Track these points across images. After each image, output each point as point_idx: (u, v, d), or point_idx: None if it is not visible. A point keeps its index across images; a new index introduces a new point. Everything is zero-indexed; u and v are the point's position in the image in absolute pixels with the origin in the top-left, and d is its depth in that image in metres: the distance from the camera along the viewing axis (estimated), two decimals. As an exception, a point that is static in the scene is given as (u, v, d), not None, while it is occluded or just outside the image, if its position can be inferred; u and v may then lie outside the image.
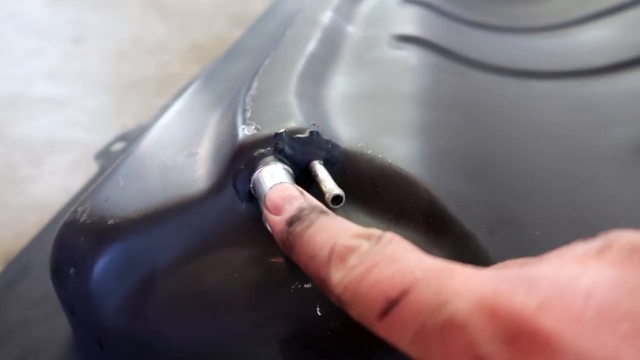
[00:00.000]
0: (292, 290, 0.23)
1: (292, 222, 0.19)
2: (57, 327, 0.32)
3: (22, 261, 0.40)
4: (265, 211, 0.21)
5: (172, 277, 0.25)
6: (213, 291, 0.24)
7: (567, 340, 0.11)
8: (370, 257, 0.16)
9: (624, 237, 0.14)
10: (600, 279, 0.12)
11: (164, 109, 0.61)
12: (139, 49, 1.08)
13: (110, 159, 0.51)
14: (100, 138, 0.73)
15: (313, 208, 0.20)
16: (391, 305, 0.14)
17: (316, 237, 0.18)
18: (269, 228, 0.22)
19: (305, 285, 0.23)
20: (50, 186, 0.63)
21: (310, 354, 0.23)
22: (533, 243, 0.25)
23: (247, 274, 0.24)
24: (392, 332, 0.15)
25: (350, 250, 0.17)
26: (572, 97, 0.38)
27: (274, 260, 0.24)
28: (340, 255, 0.17)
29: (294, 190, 0.21)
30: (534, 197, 0.27)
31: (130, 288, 0.25)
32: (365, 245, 0.17)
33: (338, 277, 0.16)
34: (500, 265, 0.18)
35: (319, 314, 0.22)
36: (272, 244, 0.23)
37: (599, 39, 0.46)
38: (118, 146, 0.54)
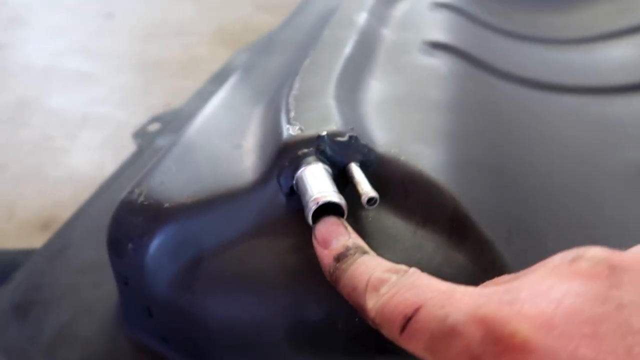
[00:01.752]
0: (326, 278, 0.26)
1: (339, 259, 0.23)
2: (103, 294, 0.36)
3: (66, 232, 0.43)
4: (314, 241, 0.25)
5: (219, 259, 0.28)
6: (254, 274, 0.27)
7: (538, 339, 0.14)
8: (396, 286, 0.20)
9: (591, 251, 0.16)
10: (569, 288, 0.15)
11: (199, 94, 0.64)
12: (166, 29, 1.11)
13: (147, 139, 0.54)
14: (130, 115, 0.76)
15: (357, 248, 0.23)
16: (408, 320, 0.18)
17: (356, 272, 0.22)
18: (317, 256, 0.24)
19: (339, 275, 0.25)
20: (84, 159, 0.66)
21: (340, 337, 0.26)
22: (545, 253, 0.28)
23: (286, 261, 0.27)
24: (411, 342, 0.18)
25: (382, 282, 0.21)
26: (592, 114, 0.40)
27: (311, 249, 0.27)
28: (374, 286, 0.21)
29: (341, 225, 0.25)
30: (549, 210, 0.29)
31: (181, 266, 0.28)
32: (394, 277, 0.20)
33: (371, 303, 0.20)
34: (496, 280, 0.21)
35: (349, 301, 0.25)
36: (310, 236, 0.26)
37: (623, 57, 0.48)
38: (153, 127, 0.57)
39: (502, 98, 0.40)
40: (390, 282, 0.20)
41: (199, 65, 0.93)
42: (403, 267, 0.21)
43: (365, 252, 0.24)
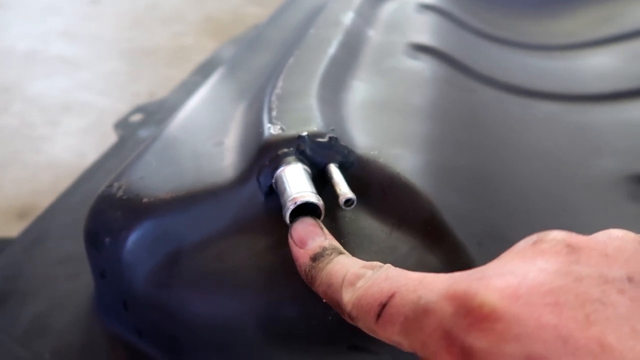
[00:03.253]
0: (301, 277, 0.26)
1: (315, 258, 0.24)
2: (79, 285, 0.36)
3: (44, 222, 0.43)
4: (290, 241, 0.25)
5: (196, 255, 0.28)
6: (231, 271, 0.27)
7: (505, 308, 0.15)
8: (371, 279, 0.21)
9: (551, 234, 0.18)
10: (532, 265, 0.17)
11: (183, 85, 0.63)
12: (154, 16, 1.09)
13: (129, 130, 0.54)
14: (113, 103, 0.75)
15: (334, 249, 0.24)
16: (382, 307, 0.19)
17: (332, 269, 0.23)
18: (293, 255, 0.25)
19: (314, 274, 0.26)
20: (65, 147, 0.65)
21: (313, 334, 0.26)
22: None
23: (262, 259, 0.27)
24: (386, 328, 0.19)
25: (358, 277, 0.21)
26: (570, 122, 0.41)
27: (287, 248, 0.27)
28: (350, 281, 0.21)
29: (318, 226, 0.25)
30: (522, 216, 0.30)
31: (158, 261, 0.28)
32: (369, 272, 0.21)
33: (347, 297, 0.21)
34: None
35: (324, 299, 0.26)
36: (287, 235, 0.27)
37: (604, 66, 0.49)
38: (136, 117, 0.56)
39: (483, 103, 0.41)
40: (366, 276, 0.21)
41: (185, 55, 0.93)
42: (378, 263, 0.22)
43: (341, 253, 0.24)
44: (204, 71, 0.66)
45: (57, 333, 0.32)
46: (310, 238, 0.25)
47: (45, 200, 0.56)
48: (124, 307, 0.30)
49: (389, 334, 0.19)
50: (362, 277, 0.21)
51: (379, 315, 0.19)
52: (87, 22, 1.05)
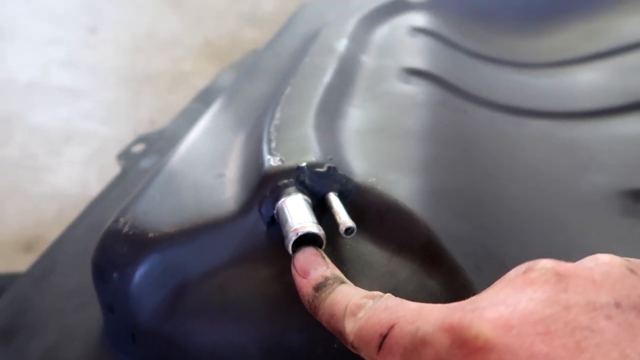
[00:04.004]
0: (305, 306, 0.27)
1: (318, 288, 0.24)
2: (88, 317, 0.36)
3: (51, 255, 0.44)
4: (293, 271, 0.26)
5: (201, 287, 0.29)
6: (236, 301, 0.28)
7: (498, 339, 0.16)
8: (371, 309, 0.21)
9: (540, 263, 0.19)
10: (523, 295, 0.17)
11: (184, 113, 0.64)
12: (152, 42, 1.11)
13: (131, 160, 0.55)
14: (116, 132, 0.76)
15: (336, 278, 0.25)
16: (383, 338, 0.20)
17: (335, 299, 0.23)
18: (296, 285, 0.26)
19: (318, 303, 0.27)
20: (68, 177, 0.66)
21: (319, 362, 0.27)
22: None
23: (266, 289, 0.28)
24: (387, 359, 0.19)
25: (359, 307, 0.22)
26: (561, 139, 0.42)
27: (290, 278, 0.28)
28: (352, 311, 0.22)
29: (320, 256, 0.26)
30: (516, 236, 0.31)
31: (165, 294, 0.29)
32: (370, 302, 0.22)
33: (350, 327, 0.22)
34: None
35: (327, 328, 0.26)
36: (290, 265, 0.27)
37: (592, 82, 0.50)
38: (138, 148, 0.57)
39: (476, 123, 0.42)
40: (367, 306, 0.22)
41: (185, 81, 0.94)
42: (379, 293, 0.23)
43: (343, 282, 0.25)
44: (203, 98, 0.67)
45: (67, 367, 0.33)
46: (313, 268, 0.26)
47: (50, 232, 0.57)
48: (133, 340, 0.30)
49: None
50: (363, 307, 0.22)
51: (380, 347, 0.20)
52: (86, 50, 1.07)
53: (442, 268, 0.27)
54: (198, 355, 0.29)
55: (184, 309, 0.28)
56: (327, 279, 0.25)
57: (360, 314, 0.22)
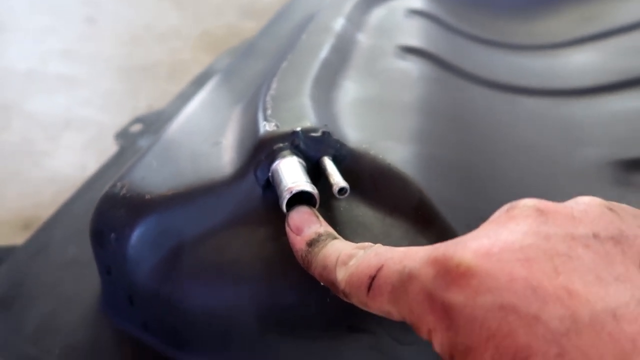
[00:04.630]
0: (299, 265, 0.27)
1: (311, 244, 0.25)
2: (84, 288, 0.37)
3: (47, 230, 0.44)
4: (287, 229, 0.26)
5: (198, 248, 0.29)
6: (232, 262, 0.29)
7: (480, 265, 0.17)
8: (362, 257, 0.22)
9: (522, 201, 0.19)
10: (505, 228, 0.18)
11: (181, 96, 0.65)
12: (150, 33, 1.12)
13: (128, 140, 0.55)
14: (113, 118, 0.77)
15: (328, 235, 0.25)
16: (372, 280, 0.20)
17: (327, 252, 0.24)
18: (290, 242, 0.26)
19: (311, 261, 0.27)
20: (66, 161, 0.67)
21: (314, 318, 0.27)
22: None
23: (262, 249, 0.28)
24: (376, 299, 0.20)
25: (350, 256, 0.23)
26: (553, 115, 0.42)
27: (285, 238, 0.28)
28: (343, 260, 0.23)
29: (313, 214, 0.27)
30: (510, 200, 0.31)
31: (162, 255, 0.29)
32: (360, 252, 0.23)
33: (341, 275, 0.22)
34: None
35: (322, 284, 0.27)
36: (284, 225, 0.28)
37: (585, 62, 0.51)
38: (135, 128, 0.58)
39: (469, 99, 0.43)
40: (358, 255, 0.22)
41: (183, 70, 0.95)
42: (369, 243, 0.23)
43: (335, 238, 0.25)
44: (200, 82, 0.67)
45: (66, 331, 0.33)
46: (306, 225, 0.26)
47: (48, 213, 0.57)
48: (130, 302, 0.31)
49: (379, 304, 0.20)
50: (354, 256, 0.23)
51: (369, 288, 0.20)
52: (84, 41, 1.08)
53: (434, 228, 0.28)
54: (194, 315, 0.29)
55: (181, 270, 0.29)
56: (319, 235, 0.25)
57: (351, 262, 0.22)
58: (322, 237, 0.25)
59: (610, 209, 0.18)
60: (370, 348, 0.27)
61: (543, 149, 0.39)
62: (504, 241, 0.17)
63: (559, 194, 0.35)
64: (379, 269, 0.20)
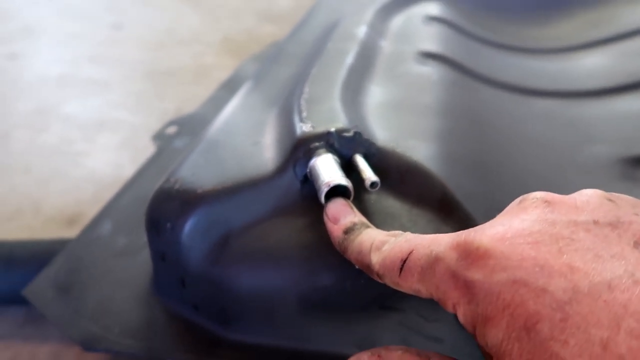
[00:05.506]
0: (335, 250, 0.31)
1: (347, 232, 0.28)
2: (136, 274, 0.41)
3: (96, 224, 0.48)
4: (325, 218, 0.30)
5: (244, 236, 0.33)
6: (274, 248, 0.32)
7: (495, 247, 0.19)
8: (394, 243, 0.25)
9: (532, 194, 0.22)
10: (517, 217, 0.21)
11: (211, 99, 0.69)
12: (173, 39, 1.16)
13: (165, 141, 0.59)
14: (144, 120, 0.81)
15: (362, 224, 0.28)
16: (403, 262, 0.23)
17: (362, 239, 0.27)
18: (328, 230, 0.30)
19: (346, 247, 0.30)
20: (103, 160, 0.71)
21: (349, 298, 0.31)
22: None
23: (301, 237, 0.32)
24: (407, 280, 0.23)
25: (383, 242, 0.25)
26: (564, 115, 0.45)
27: (322, 226, 0.32)
28: (377, 246, 0.25)
29: (348, 206, 0.30)
30: (524, 193, 0.35)
31: (212, 242, 0.33)
32: (392, 239, 0.25)
33: (375, 259, 0.25)
34: None
35: (357, 266, 0.30)
36: (321, 215, 0.31)
37: (595, 65, 0.53)
38: (170, 130, 0.62)
39: (485, 101, 0.46)
40: (390, 241, 0.25)
41: (207, 73, 0.99)
42: (399, 232, 0.26)
43: (368, 227, 0.29)
44: (228, 86, 0.71)
45: (122, 312, 0.37)
46: (342, 215, 0.29)
47: (89, 208, 0.61)
48: (182, 285, 0.35)
49: (410, 283, 0.23)
50: (387, 242, 0.25)
51: (401, 270, 0.23)
52: (111, 46, 1.12)
53: (455, 216, 0.31)
54: (240, 295, 0.33)
55: (229, 255, 0.33)
56: (354, 224, 0.29)
57: (385, 248, 0.25)
58: (357, 226, 0.28)
59: (609, 199, 0.21)
60: (399, 324, 0.30)
61: (554, 146, 0.42)
62: (516, 228, 0.20)
63: (568, 187, 0.38)
64: (410, 253, 0.23)
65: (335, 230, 0.29)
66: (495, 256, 0.19)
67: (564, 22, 0.63)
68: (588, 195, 0.22)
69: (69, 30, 1.20)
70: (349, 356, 0.32)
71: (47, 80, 0.96)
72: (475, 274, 0.19)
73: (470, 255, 0.20)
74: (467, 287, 0.20)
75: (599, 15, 0.61)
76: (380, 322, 0.31)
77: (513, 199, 0.24)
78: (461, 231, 0.22)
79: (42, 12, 1.32)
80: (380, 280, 0.26)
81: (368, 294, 0.30)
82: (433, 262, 0.22)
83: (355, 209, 0.30)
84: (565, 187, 0.38)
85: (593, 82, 0.49)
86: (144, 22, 1.26)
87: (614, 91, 0.47)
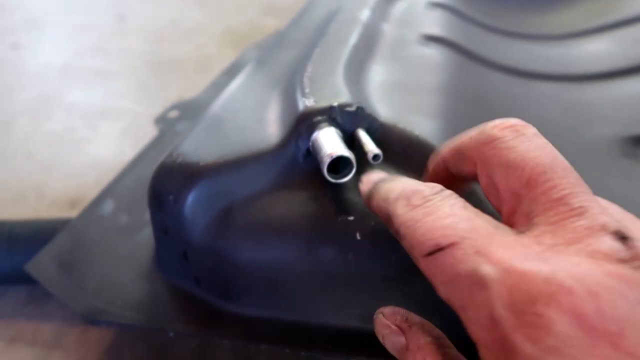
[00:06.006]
0: (338, 221, 0.31)
1: (378, 181, 0.25)
2: (137, 250, 0.41)
3: (98, 203, 0.48)
4: (360, 184, 0.27)
5: (246, 208, 0.33)
6: (276, 221, 0.32)
7: (565, 328, 0.14)
8: (431, 203, 0.20)
9: (606, 238, 0.16)
10: (607, 283, 0.15)
11: (214, 84, 0.69)
12: (176, 30, 1.16)
13: (167, 125, 0.59)
14: (146, 109, 0.81)
15: (394, 178, 0.25)
16: (438, 250, 0.18)
17: (392, 185, 0.23)
18: (360, 192, 0.27)
19: (348, 218, 0.31)
20: (105, 147, 0.71)
21: (350, 269, 0.31)
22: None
23: (303, 208, 0.32)
24: (431, 270, 0.18)
25: (415, 192, 0.21)
26: (567, 97, 0.45)
27: (324, 199, 0.32)
28: (407, 195, 0.21)
29: (381, 173, 0.27)
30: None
31: (214, 215, 0.33)
32: (427, 190, 0.20)
33: (401, 210, 0.20)
34: (531, 234, 0.18)
35: (358, 238, 0.30)
36: (323, 188, 0.31)
37: (597, 50, 0.53)
38: (173, 114, 0.62)
39: (488, 83, 0.46)
40: (424, 193, 0.20)
41: (209, 64, 0.99)
42: (439, 187, 0.21)
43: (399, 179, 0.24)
44: (230, 72, 0.71)
45: (124, 287, 0.37)
46: (376, 177, 0.26)
47: (92, 192, 0.62)
48: (185, 259, 0.35)
49: (432, 275, 0.18)
50: (420, 193, 0.20)
51: (430, 254, 0.18)
52: (115, 37, 1.13)
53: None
54: (243, 268, 0.33)
55: (231, 228, 0.33)
56: (385, 178, 0.25)
57: (415, 200, 0.20)
58: (389, 178, 0.25)
59: None
60: (403, 297, 0.30)
61: (556, 126, 0.42)
62: (603, 306, 0.14)
63: (573, 164, 0.38)
64: (451, 245, 0.18)
65: (367, 182, 0.26)
66: (560, 338, 0.14)
67: (566, 9, 0.62)
68: None
69: (72, 21, 1.20)
70: (351, 329, 0.32)
71: (50, 70, 0.97)
72: (524, 345, 0.15)
73: (526, 315, 0.15)
74: (505, 349, 0.15)
75: (601, 3, 0.61)
76: (384, 295, 0.31)
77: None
78: (526, 251, 0.17)
79: (46, 3, 1.33)
80: (395, 236, 0.21)
81: (371, 267, 0.30)
82: (475, 281, 0.16)
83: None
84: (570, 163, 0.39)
85: (595, 66, 0.49)
86: (147, 13, 1.26)
87: (616, 74, 0.47)
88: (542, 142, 0.21)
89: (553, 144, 0.40)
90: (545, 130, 0.43)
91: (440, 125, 0.36)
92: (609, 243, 0.16)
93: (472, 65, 0.48)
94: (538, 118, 0.43)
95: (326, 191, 0.32)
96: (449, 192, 0.21)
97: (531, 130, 0.22)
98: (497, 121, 0.23)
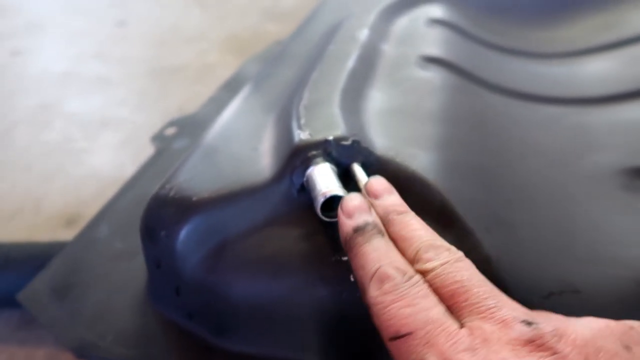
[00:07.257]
0: (331, 261, 0.30)
1: (357, 229, 0.26)
2: (132, 278, 0.40)
3: (94, 226, 0.48)
4: (339, 211, 0.28)
5: (240, 244, 0.32)
6: (270, 257, 0.32)
7: None
8: (399, 291, 0.23)
9: None
10: None
11: (212, 100, 0.68)
12: (177, 36, 1.16)
13: (164, 142, 0.59)
14: (146, 118, 0.81)
15: (375, 227, 0.26)
16: (398, 337, 0.22)
17: (368, 253, 0.25)
18: (339, 223, 0.28)
19: (342, 258, 0.30)
20: (105, 159, 0.71)
21: (345, 310, 0.30)
22: (521, 241, 0.33)
23: (297, 246, 0.31)
24: (393, 351, 0.22)
25: (387, 278, 0.24)
26: (568, 123, 0.44)
27: (318, 237, 0.31)
28: (380, 278, 0.24)
29: (366, 204, 0.28)
30: (525, 206, 0.34)
31: (207, 250, 0.33)
32: (398, 278, 0.23)
33: (373, 293, 0.24)
34: (468, 327, 0.22)
35: (352, 279, 0.30)
36: (317, 225, 0.31)
37: (601, 71, 0.53)
38: (170, 131, 0.61)
39: (488, 107, 0.45)
40: (395, 281, 0.23)
41: (210, 71, 0.98)
42: (410, 270, 0.24)
43: (380, 232, 0.26)
44: (229, 86, 0.71)
45: (117, 319, 0.37)
46: (358, 212, 0.27)
47: (89, 208, 0.61)
48: (177, 293, 0.34)
49: (393, 355, 0.22)
50: (391, 280, 0.23)
51: (392, 339, 0.22)
52: (115, 43, 1.12)
53: (454, 229, 0.31)
54: (236, 304, 0.32)
55: (224, 264, 0.32)
56: (367, 224, 0.26)
57: (386, 286, 0.23)
58: (369, 227, 0.26)
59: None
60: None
61: (557, 154, 0.41)
62: None
63: (570, 197, 0.37)
64: (407, 334, 0.21)
65: (346, 225, 0.27)
66: None
67: (571, 25, 0.62)
68: None
69: (72, 27, 1.20)
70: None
71: (51, 76, 0.96)
72: None
73: None
74: None
75: (607, 19, 0.60)
76: (378, 334, 0.30)
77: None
78: (462, 343, 0.20)
79: (46, 8, 1.33)
80: (368, 309, 0.24)
81: (364, 307, 0.30)
82: None
83: (373, 210, 0.28)
84: (568, 197, 0.38)
85: (598, 89, 0.48)
86: (148, 18, 1.25)
87: (619, 98, 0.47)
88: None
89: (552, 172, 0.39)
90: (545, 157, 0.43)
91: (439, 158, 0.35)
92: (519, 328, 0.21)
93: (472, 88, 0.47)
94: (539, 144, 0.42)
95: (320, 228, 0.31)
96: (417, 278, 0.23)
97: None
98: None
